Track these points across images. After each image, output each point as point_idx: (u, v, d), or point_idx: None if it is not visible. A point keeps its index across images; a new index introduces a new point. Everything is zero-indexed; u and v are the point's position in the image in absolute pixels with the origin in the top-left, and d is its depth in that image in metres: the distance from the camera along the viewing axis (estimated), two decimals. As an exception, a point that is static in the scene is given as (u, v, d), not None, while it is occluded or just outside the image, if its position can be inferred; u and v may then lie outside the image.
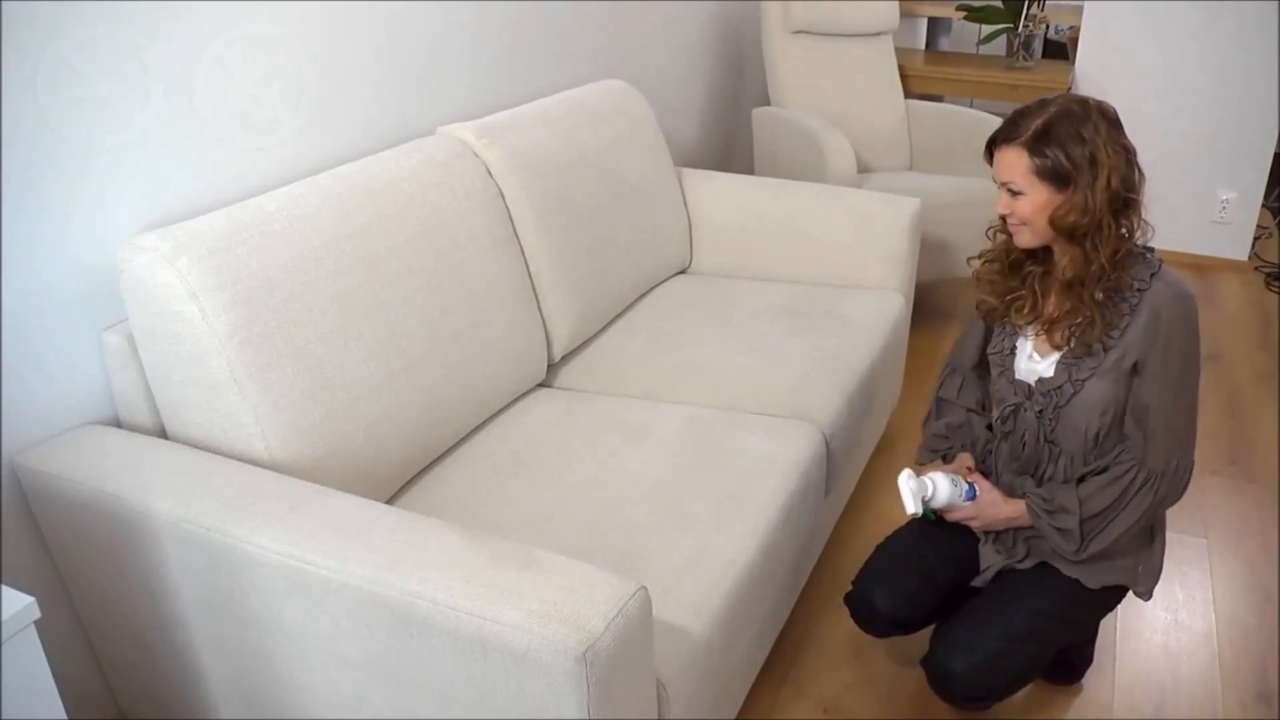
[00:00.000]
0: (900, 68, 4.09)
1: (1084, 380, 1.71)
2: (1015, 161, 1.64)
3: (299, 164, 1.98)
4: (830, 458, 2.07)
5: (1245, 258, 4.35)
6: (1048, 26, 5.38)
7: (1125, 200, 1.62)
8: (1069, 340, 1.70)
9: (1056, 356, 1.74)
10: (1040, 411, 1.77)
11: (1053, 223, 1.64)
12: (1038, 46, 4.45)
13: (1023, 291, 1.77)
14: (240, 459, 1.59)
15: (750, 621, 1.74)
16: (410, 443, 1.81)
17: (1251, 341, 3.66)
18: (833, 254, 2.69)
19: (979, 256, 1.85)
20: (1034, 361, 1.78)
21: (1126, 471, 1.70)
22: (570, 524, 1.72)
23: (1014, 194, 1.66)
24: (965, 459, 1.92)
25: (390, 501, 1.81)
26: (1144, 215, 1.66)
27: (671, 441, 1.95)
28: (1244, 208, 4.28)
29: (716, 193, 2.81)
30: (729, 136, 4.19)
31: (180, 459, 1.57)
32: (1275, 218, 4.68)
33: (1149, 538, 1.85)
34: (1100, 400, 1.70)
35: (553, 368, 2.28)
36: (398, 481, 1.82)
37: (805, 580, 2.14)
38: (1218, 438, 2.99)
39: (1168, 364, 1.66)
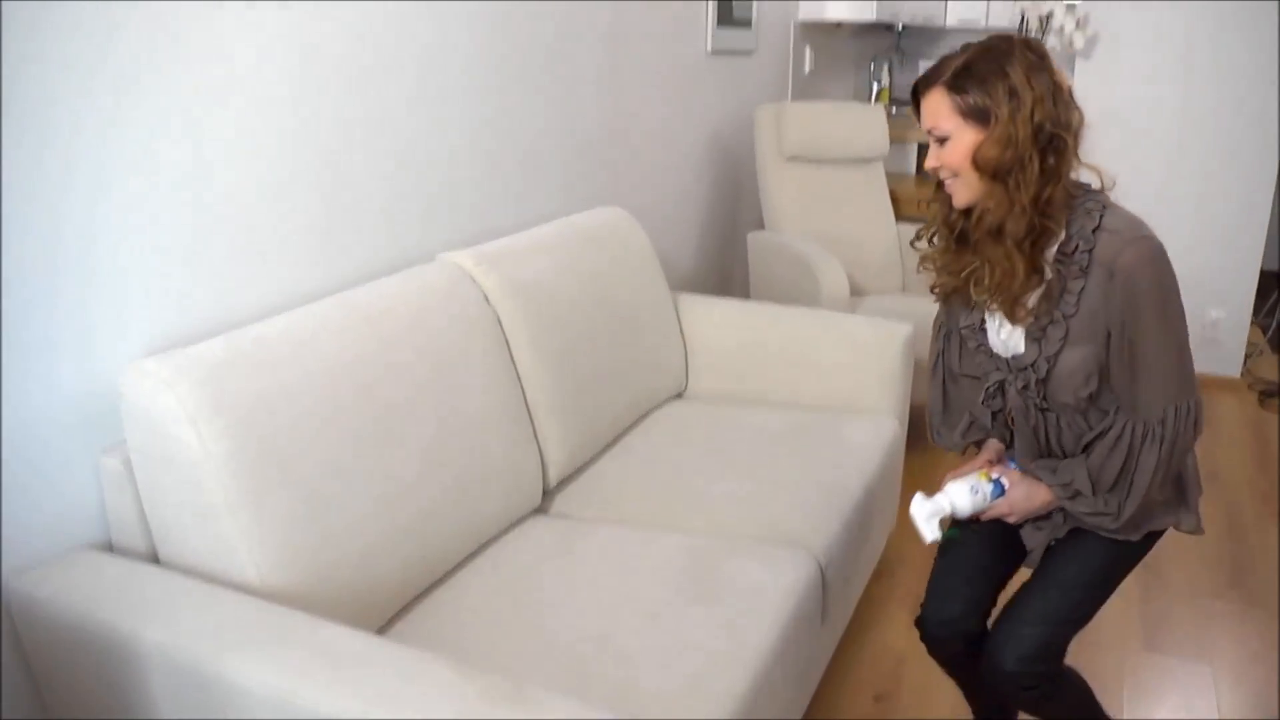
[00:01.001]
0: (891, 192, 4.18)
1: (1055, 354, 1.64)
2: (938, 104, 1.58)
3: (300, 289, 2.01)
4: (826, 585, 2.05)
5: (1238, 375, 4.39)
6: (1035, 152, 5.50)
7: (1052, 136, 1.54)
8: (1029, 313, 1.64)
9: (1025, 330, 1.68)
10: (1024, 386, 1.71)
11: (974, 163, 1.56)
12: (1026, 172, 4.55)
13: (976, 262, 1.66)
14: (232, 585, 1.58)
15: (746, 754, 1.70)
16: (404, 570, 1.80)
17: (1250, 462, 3.66)
18: (828, 378, 2.72)
19: (919, 237, 1.78)
20: (1004, 335, 1.72)
21: (1124, 429, 1.63)
22: (562, 655, 1.70)
23: (942, 142, 1.59)
24: (990, 450, 1.86)
25: (383, 630, 1.79)
26: (1083, 161, 1.59)
27: (666, 571, 1.94)
28: (1233, 326, 4.33)
29: (712, 317, 2.85)
30: (726, 260, 4.26)
31: (172, 586, 1.56)
32: (1266, 335, 4.73)
33: (1179, 486, 1.78)
34: (1080, 367, 1.63)
35: (548, 493, 2.28)
36: (390, 609, 1.80)
37: (804, 710, 2.10)
38: (1219, 561, 2.97)
39: (1139, 318, 1.57)
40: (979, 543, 1.86)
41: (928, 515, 1.72)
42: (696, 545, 2.03)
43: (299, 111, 1.96)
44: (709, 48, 3.83)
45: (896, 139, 5.00)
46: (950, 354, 1.92)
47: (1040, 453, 1.80)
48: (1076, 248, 1.58)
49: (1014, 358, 1.71)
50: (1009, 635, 1.72)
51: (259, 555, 1.58)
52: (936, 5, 6.17)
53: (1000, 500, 1.76)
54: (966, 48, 1.59)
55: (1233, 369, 4.38)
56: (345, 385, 1.77)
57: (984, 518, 1.80)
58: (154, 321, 1.73)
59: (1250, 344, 4.50)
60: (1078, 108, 1.58)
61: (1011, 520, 1.80)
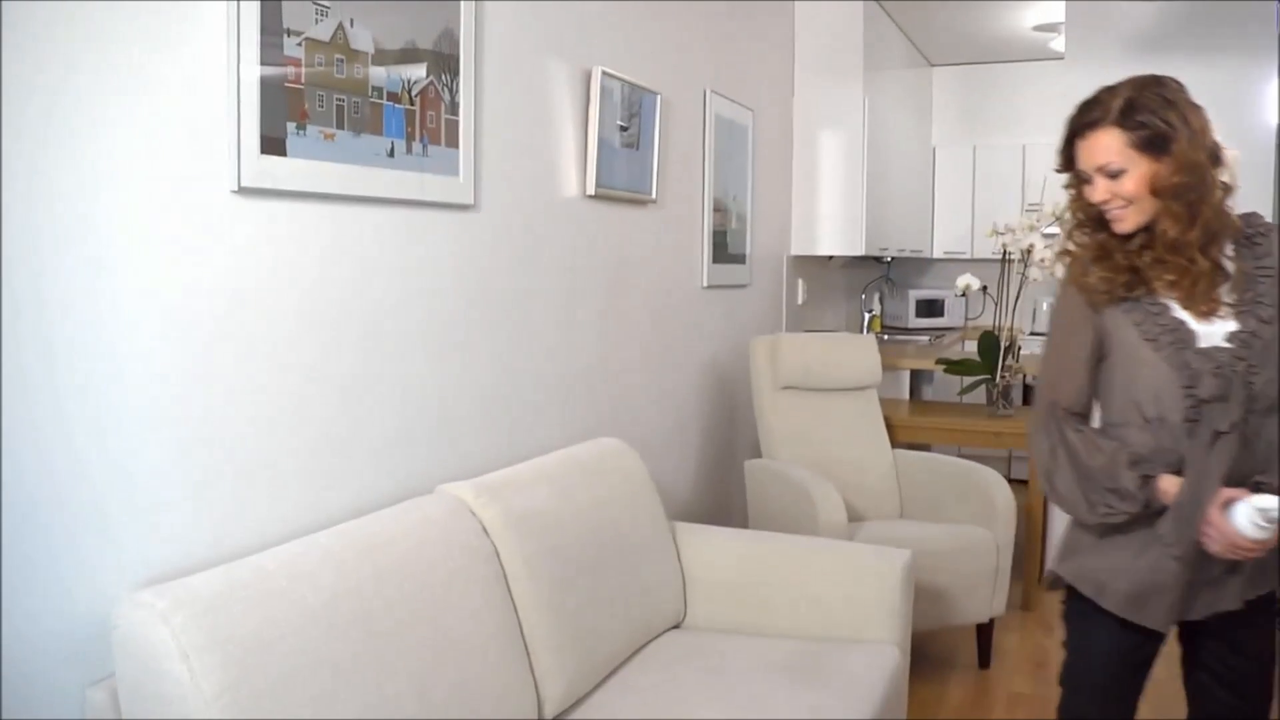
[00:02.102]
0: (886, 418, 4.25)
1: (1275, 314, 1.72)
2: (1109, 142, 1.69)
3: (300, 521, 2.03)
4: (831, 826, 1.98)
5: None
6: (1024, 375, 5.63)
7: (1215, 150, 1.68)
8: (1218, 303, 1.72)
9: (1228, 311, 1.74)
10: (1250, 366, 1.72)
11: (1155, 191, 1.66)
12: (1016, 394, 4.64)
13: (1140, 262, 1.75)
14: (215, 831, 1.53)
15: None
16: (393, 812, 1.74)
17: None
18: (827, 607, 2.69)
19: (1064, 252, 1.85)
20: (1207, 324, 1.75)
21: None
22: None
23: (1113, 176, 1.69)
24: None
25: None
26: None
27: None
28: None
29: (710, 546, 2.85)
30: (724, 488, 4.28)
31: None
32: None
33: None
34: None
35: (543, 728, 2.23)
36: None
37: None
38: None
39: None
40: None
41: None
42: (696, 785, 1.97)
43: (302, 345, 2.04)
44: (704, 282, 3.99)
45: (889, 366, 5.12)
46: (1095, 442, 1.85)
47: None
48: (1256, 233, 1.74)
49: (1230, 335, 1.75)
50: None
51: (245, 797, 1.54)
52: (923, 237, 6.46)
53: None
54: (1112, 89, 1.73)
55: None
56: (341, 618, 1.76)
57: None
58: (150, 551, 1.74)
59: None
60: None
61: None
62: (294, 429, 2.02)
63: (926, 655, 3.75)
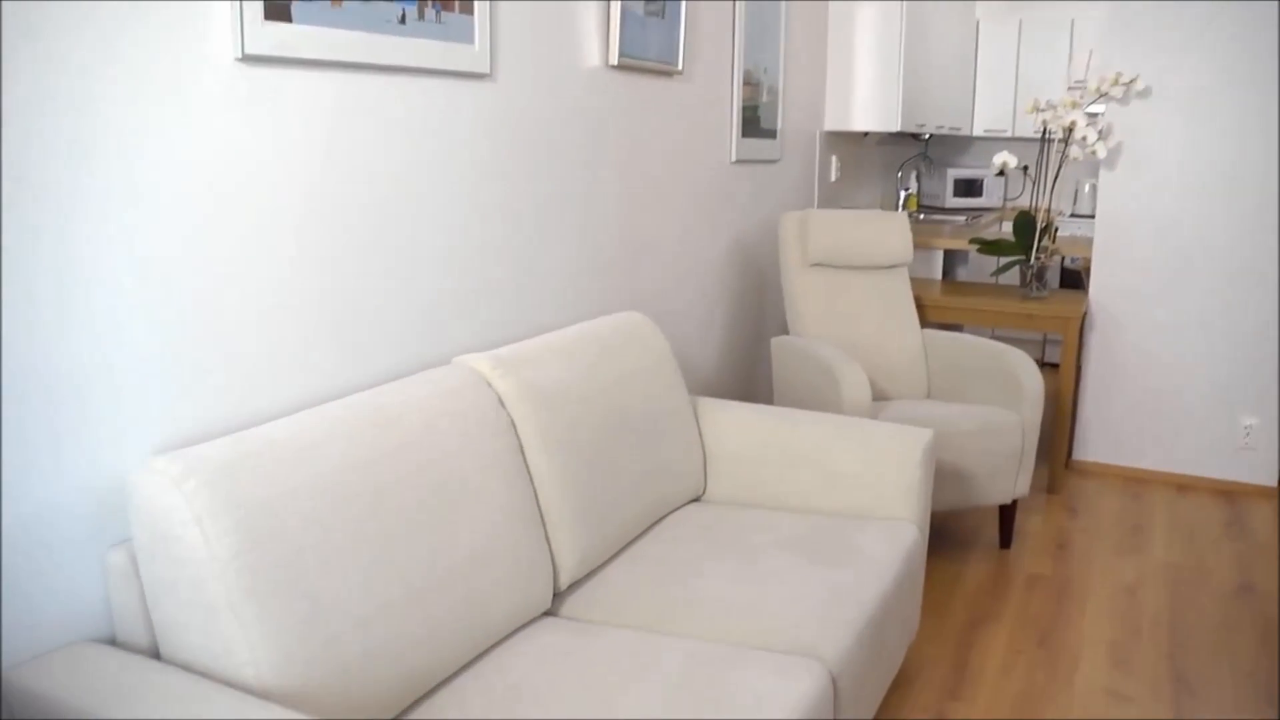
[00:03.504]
0: (918, 298, 4.20)
1: None
2: None
3: (315, 390, 2.04)
4: (838, 696, 2.01)
5: (1274, 483, 4.30)
6: (1062, 257, 5.53)
7: None
8: None
9: None
10: None
11: None
12: (1051, 277, 4.56)
13: None
14: (230, 684, 1.57)
15: None
16: (406, 674, 1.78)
17: (1286, 575, 3.56)
18: (847, 484, 2.70)
19: None
20: None
21: None
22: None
23: None
24: None
25: (382, 735, 1.76)
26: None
27: (672, 679, 1.91)
28: (1267, 433, 4.26)
29: (731, 422, 2.85)
30: (750, 365, 4.27)
31: (170, 685, 1.55)
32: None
33: None
34: None
35: (558, 595, 2.26)
36: (389, 713, 1.78)
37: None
38: (1254, 676, 2.88)
39: None
40: None
41: None
42: (704, 652, 1.99)
43: (317, 211, 2.02)
44: (733, 157, 3.90)
45: (922, 246, 5.04)
46: None
47: None
48: None
49: None
50: None
51: (259, 655, 1.57)
52: (963, 114, 6.28)
53: None
54: None
55: (1268, 477, 4.31)
56: (354, 488, 1.78)
57: None
58: (166, 419, 1.77)
59: (1287, 452, 4.43)
60: None
61: None
62: (309, 301, 2.01)
63: (948, 534, 3.77)
